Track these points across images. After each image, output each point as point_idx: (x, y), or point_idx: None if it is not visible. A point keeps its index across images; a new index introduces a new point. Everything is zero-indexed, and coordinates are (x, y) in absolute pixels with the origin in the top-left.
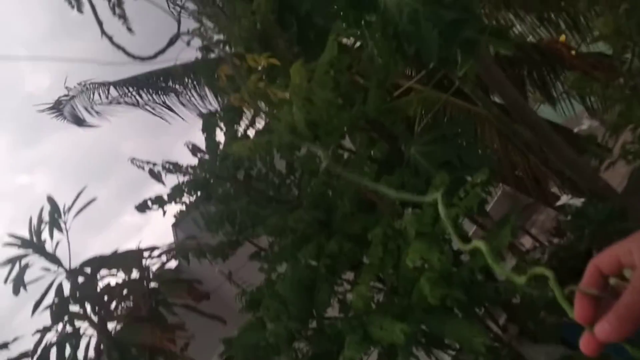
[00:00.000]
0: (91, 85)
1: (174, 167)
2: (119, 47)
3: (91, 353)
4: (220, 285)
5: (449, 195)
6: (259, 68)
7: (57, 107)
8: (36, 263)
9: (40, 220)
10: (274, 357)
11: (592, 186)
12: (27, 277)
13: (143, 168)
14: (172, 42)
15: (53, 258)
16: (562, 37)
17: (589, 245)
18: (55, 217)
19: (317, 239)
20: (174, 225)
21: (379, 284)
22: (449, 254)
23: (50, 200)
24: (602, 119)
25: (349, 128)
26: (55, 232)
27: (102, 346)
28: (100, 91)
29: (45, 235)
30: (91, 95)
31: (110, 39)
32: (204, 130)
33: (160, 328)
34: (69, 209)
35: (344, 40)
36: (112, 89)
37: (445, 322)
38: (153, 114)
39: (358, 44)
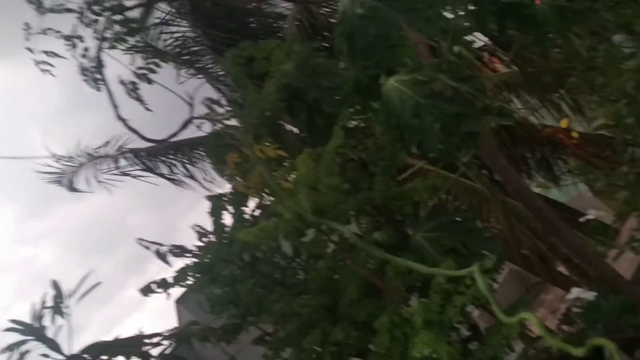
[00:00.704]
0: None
1: (180, 251)
2: (133, 130)
3: None
4: None
5: (454, 283)
6: (266, 159)
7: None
8: (36, 348)
9: (43, 305)
10: None
11: (601, 274)
12: None
13: (149, 248)
14: (184, 126)
15: (53, 345)
16: (564, 122)
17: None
18: (58, 302)
19: (323, 325)
20: (178, 302)
21: None
22: (456, 344)
23: (55, 285)
24: (608, 205)
25: (355, 213)
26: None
27: None
28: (108, 161)
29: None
30: (97, 165)
31: (124, 121)
32: (210, 213)
33: None
34: (73, 293)
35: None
36: (120, 159)
37: None
38: (169, 178)
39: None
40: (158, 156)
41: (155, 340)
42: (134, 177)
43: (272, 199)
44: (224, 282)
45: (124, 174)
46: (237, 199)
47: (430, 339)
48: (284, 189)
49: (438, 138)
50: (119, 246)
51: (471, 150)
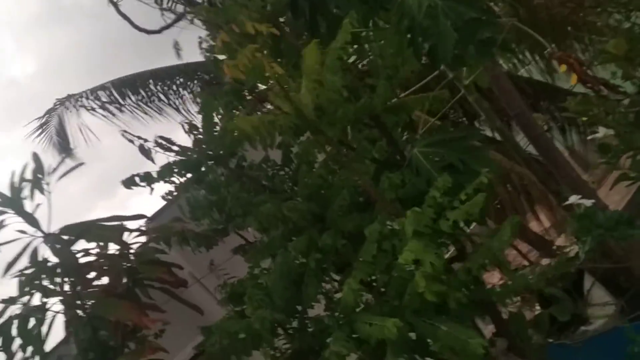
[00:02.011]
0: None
1: (167, 143)
2: (124, 16)
3: (56, 329)
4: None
5: (450, 198)
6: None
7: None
8: (13, 225)
9: (22, 178)
10: (252, 352)
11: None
12: (2, 238)
13: (133, 142)
14: (178, 18)
15: (31, 219)
16: (563, 67)
17: (580, 267)
18: (38, 176)
19: (310, 232)
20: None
21: (368, 286)
22: (444, 258)
23: (35, 157)
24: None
25: (353, 122)
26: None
27: (71, 323)
28: (89, 96)
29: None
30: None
31: (116, 5)
32: (201, 110)
33: (136, 306)
34: (54, 170)
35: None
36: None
37: (439, 323)
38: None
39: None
40: (137, 85)
41: (136, 232)
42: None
43: (266, 86)
44: (209, 185)
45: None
46: (230, 99)
47: (418, 248)
48: (281, 75)
49: (453, 42)
50: (90, 167)
51: (485, 61)
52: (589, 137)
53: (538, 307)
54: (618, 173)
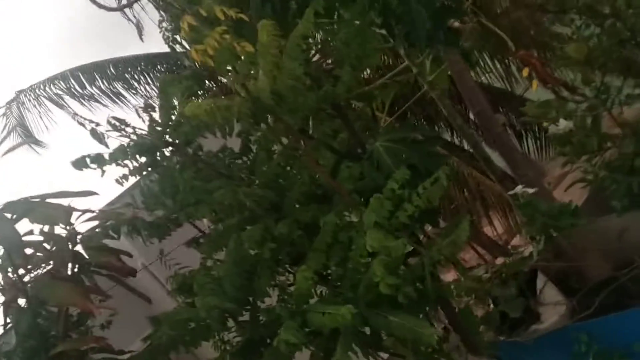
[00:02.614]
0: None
1: (120, 125)
2: None
3: None
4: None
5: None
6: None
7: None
8: None
9: None
10: (200, 342)
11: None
12: None
13: (84, 126)
14: None
15: None
16: (525, 72)
17: (534, 267)
18: None
19: (265, 221)
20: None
21: (323, 279)
22: (404, 249)
23: None
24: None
25: (315, 111)
26: None
27: (10, 308)
28: (47, 85)
29: None
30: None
31: None
32: (159, 92)
33: (80, 290)
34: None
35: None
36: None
37: (393, 315)
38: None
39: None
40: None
41: (85, 215)
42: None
43: (231, 71)
44: (162, 172)
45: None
46: (191, 82)
47: (380, 237)
48: (252, 54)
49: (425, 26)
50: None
51: (455, 46)
52: (549, 133)
53: (491, 304)
54: (573, 176)
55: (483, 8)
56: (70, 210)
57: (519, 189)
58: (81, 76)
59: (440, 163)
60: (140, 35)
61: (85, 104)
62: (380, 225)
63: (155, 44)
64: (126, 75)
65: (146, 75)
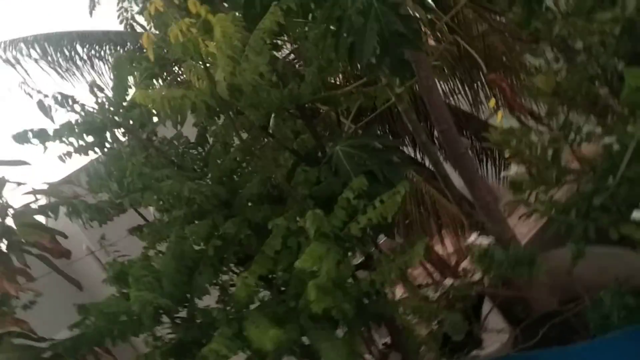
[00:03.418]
0: None
1: (68, 100)
2: None
3: None
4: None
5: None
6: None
7: None
8: None
9: None
10: (129, 337)
11: (500, 233)
12: None
13: (31, 96)
14: None
15: None
16: (492, 101)
17: (481, 292)
18: None
19: (214, 217)
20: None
21: (267, 283)
22: (349, 264)
23: None
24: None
25: (278, 109)
26: None
27: None
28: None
29: None
30: None
31: None
32: (114, 68)
33: (2, 269)
34: None
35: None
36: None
37: (323, 338)
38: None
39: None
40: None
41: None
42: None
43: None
44: (110, 154)
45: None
46: (150, 66)
47: (320, 253)
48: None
49: (372, 47)
50: None
51: (398, 75)
52: (502, 174)
53: (436, 325)
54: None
55: (460, 28)
56: (2, 181)
57: (473, 238)
58: (44, 43)
59: (399, 173)
60: (92, 10)
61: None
62: (327, 236)
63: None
64: (93, 50)
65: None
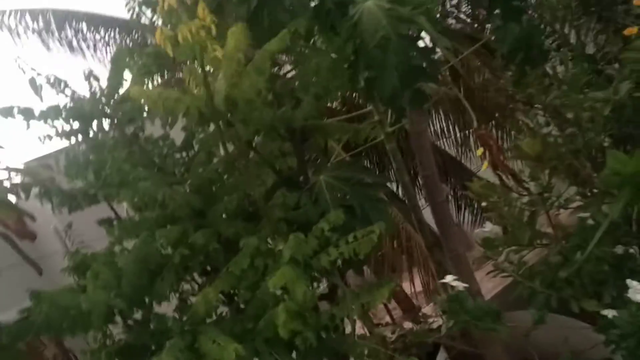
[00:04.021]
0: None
1: (60, 84)
2: None
3: None
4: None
5: (339, 236)
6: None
7: None
8: None
9: None
10: (77, 333)
11: (468, 286)
12: None
13: (24, 72)
14: None
15: None
16: (480, 150)
17: (437, 341)
18: None
19: (186, 224)
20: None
21: (229, 299)
22: (313, 294)
23: None
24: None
25: (268, 128)
26: None
27: None
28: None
29: None
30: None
31: None
32: (113, 59)
33: None
34: None
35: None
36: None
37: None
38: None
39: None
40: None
41: None
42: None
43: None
44: (93, 144)
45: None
46: (150, 62)
47: (291, 276)
48: (219, 60)
49: (394, 81)
50: None
51: (416, 107)
52: (476, 230)
53: None
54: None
55: (460, 76)
56: None
57: (449, 279)
58: (51, 18)
59: (380, 211)
60: None
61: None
62: (297, 263)
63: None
64: (98, 33)
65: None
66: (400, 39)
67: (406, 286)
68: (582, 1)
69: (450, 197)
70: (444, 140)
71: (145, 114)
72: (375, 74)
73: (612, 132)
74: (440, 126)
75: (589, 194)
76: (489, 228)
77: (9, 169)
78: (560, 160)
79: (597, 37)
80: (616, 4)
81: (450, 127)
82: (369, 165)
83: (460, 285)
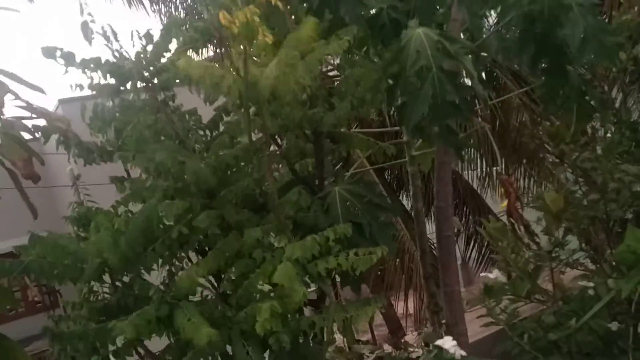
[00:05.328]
0: None
1: (113, 35)
2: None
3: None
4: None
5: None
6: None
7: None
8: None
9: None
10: (67, 282)
11: (453, 325)
12: None
13: (82, 13)
14: None
15: None
16: (504, 204)
17: None
18: None
19: (193, 202)
20: (61, 102)
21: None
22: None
23: None
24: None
25: (295, 127)
26: None
27: None
28: None
29: None
30: None
31: None
32: (165, 27)
33: None
34: None
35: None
36: None
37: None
38: None
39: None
40: None
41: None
42: None
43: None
44: (122, 102)
45: None
46: (198, 32)
47: (292, 274)
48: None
49: (425, 111)
50: None
51: (442, 141)
52: (483, 274)
53: None
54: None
55: (500, 110)
56: (6, 89)
57: (441, 342)
58: None
59: (387, 236)
60: None
61: None
62: (297, 263)
63: None
64: None
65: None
66: (439, 71)
67: (399, 306)
68: (638, 67)
69: (462, 230)
70: (469, 172)
71: (183, 83)
72: (407, 100)
73: (637, 208)
74: (468, 157)
75: (597, 263)
76: (495, 275)
77: (30, 108)
78: (577, 223)
79: None
80: None
81: (478, 160)
82: (388, 179)
83: (449, 345)
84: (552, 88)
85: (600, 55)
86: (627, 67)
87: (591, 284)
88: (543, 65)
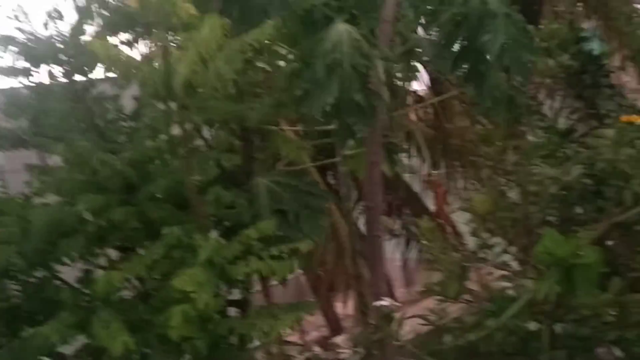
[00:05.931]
0: None
1: (22, 16)
2: None
3: None
4: None
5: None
6: None
7: None
8: None
9: None
10: None
11: (377, 325)
12: None
13: None
14: None
15: None
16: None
17: None
18: None
19: (112, 196)
20: None
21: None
22: (220, 300)
23: None
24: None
25: (221, 121)
26: None
27: None
28: None
29: None
30: None
31: None
32: (77, 12)
33: None
34: None
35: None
36: None
37: None
38: None
39: None
40: None
41: None
42: None
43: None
44: (39, 89)
45: None
46: (116, 19)
47: (199, 280)
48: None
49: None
50: None
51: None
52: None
53: None
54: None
55: (443, 114)
56: None
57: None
58: None
59: (316, 223)
60: None
61: None
62: (213, 265)
63: None
64: None
65: None
66: (350, 68)
67: (339, 306)
68: (568, 76)
69: (394, 230)
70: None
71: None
72: (312, 88)
73: (554, 210)
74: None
75: (521, 265)
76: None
77: None
78: (499, 225)
79: (573, 114)
80: (599, 86)
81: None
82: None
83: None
84: (478, 93)
85: (515, 68)
86: (558, 75)
87: (509, 285)
88: (464, 69)
